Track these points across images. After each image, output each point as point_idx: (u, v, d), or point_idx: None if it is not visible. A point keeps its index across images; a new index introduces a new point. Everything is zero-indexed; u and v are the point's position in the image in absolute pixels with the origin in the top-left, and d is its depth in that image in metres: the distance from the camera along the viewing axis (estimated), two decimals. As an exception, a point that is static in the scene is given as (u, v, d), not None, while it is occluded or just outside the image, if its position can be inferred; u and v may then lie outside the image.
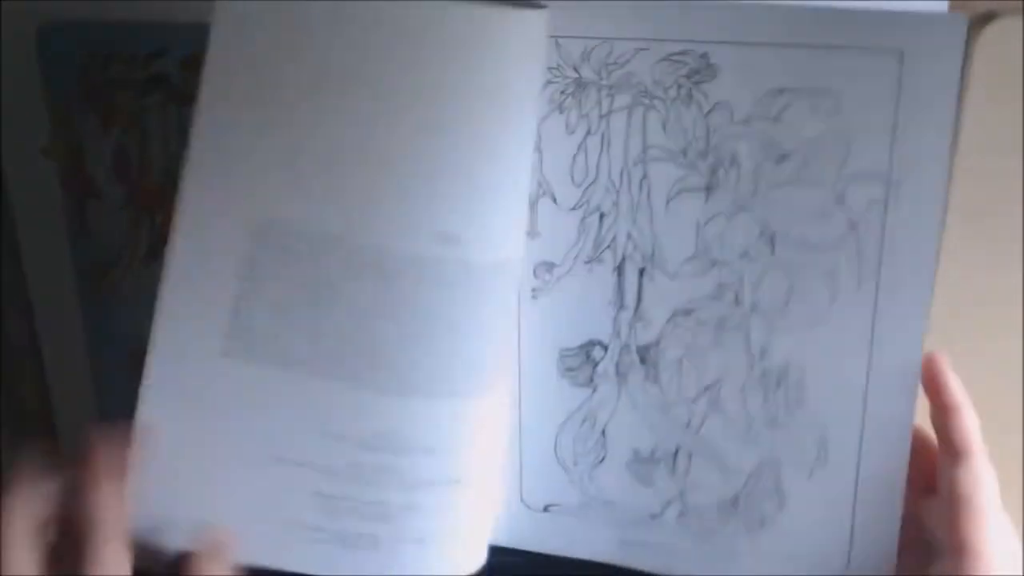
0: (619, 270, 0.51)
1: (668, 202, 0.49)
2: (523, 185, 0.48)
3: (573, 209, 0.51)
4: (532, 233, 0.51)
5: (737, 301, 0.49)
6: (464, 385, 0.49)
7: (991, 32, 0.45)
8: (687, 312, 0.50)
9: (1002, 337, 0.50)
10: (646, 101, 0.48)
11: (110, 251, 0.54)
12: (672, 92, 0.47)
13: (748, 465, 0.51)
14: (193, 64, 0.50)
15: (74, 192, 0.53)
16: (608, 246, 0.51)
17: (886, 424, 0.48)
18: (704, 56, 0.46)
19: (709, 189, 0.48)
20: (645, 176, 0.49)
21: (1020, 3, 0.44)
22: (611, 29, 0.47)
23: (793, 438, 0.50)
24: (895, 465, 0.49)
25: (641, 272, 0.50)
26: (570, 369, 0.53)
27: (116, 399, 0.57)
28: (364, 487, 0.50)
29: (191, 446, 0.49)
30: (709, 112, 0.47)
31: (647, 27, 0.47)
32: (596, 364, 0.53)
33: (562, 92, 0.49)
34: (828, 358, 0.49)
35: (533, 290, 0.52)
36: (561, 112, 0.49)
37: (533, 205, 0.51)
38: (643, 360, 0.52)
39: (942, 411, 0.46)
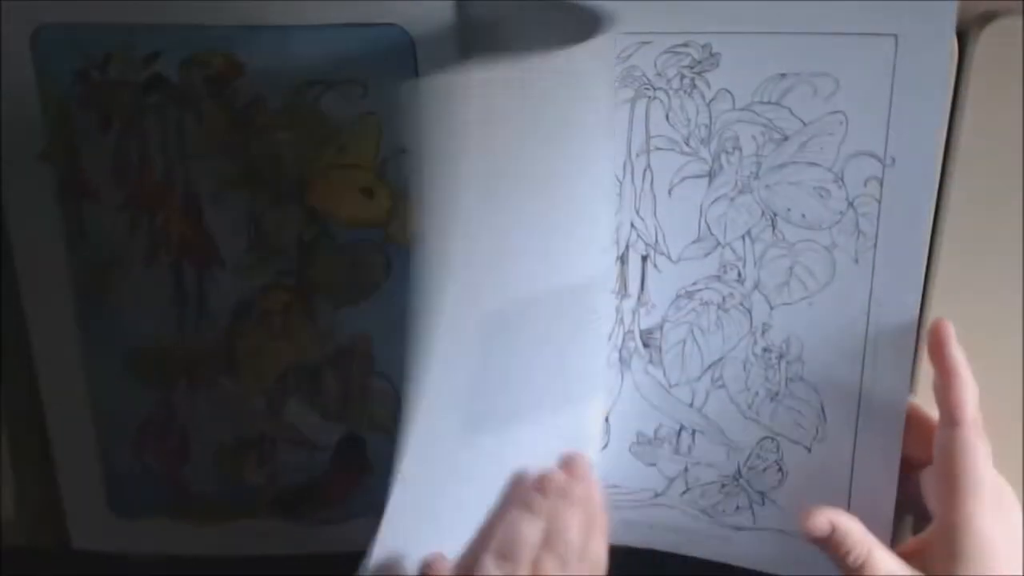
0: (622, 259, 0.52)
1: (671, 189, 0.51)
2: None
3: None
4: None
5: (740, 279, 0.51)
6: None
7: (991, 32, 0.45)
8: (690, 294, 0.52)
9: (1002, 336, 0.50)
10: (649, 93, 0.50)
11: (108, 252, 0.54)
12: (675, 83, 0.49)
13: (750, 440, 0.53)
14: (194, 64, 0.51)
15: (72, 194, 0.53)
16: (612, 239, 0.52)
17: (882, 395, 0.51)
18: (707, 46, 0.48)
19: (712, 174, 0.50)
20: (648, 166, 0.51)
21: (1020, 3, 0.44)
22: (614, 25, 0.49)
23: (793, 412, 0.52)
24: (891, 436, 0.51)
25: (644, 259, 0.52)
26: (573, 359, 0.54)
27: (111, 401, 0.56)
28: None
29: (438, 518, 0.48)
30: (712, 100, 0.49)
31: (650, 21, 0.48)
32: None
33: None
34: (827, 331, 0.51)
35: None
36: None
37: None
38: (646, 344, 0.53)
39: (941, 376, 0.48)
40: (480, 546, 0.47)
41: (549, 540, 0.47)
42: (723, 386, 0.53)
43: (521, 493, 0.47)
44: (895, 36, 0.46)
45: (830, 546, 0.48)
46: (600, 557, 0.48)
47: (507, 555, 0.46)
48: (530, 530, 0.47)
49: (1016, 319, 0.50)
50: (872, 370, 0.51)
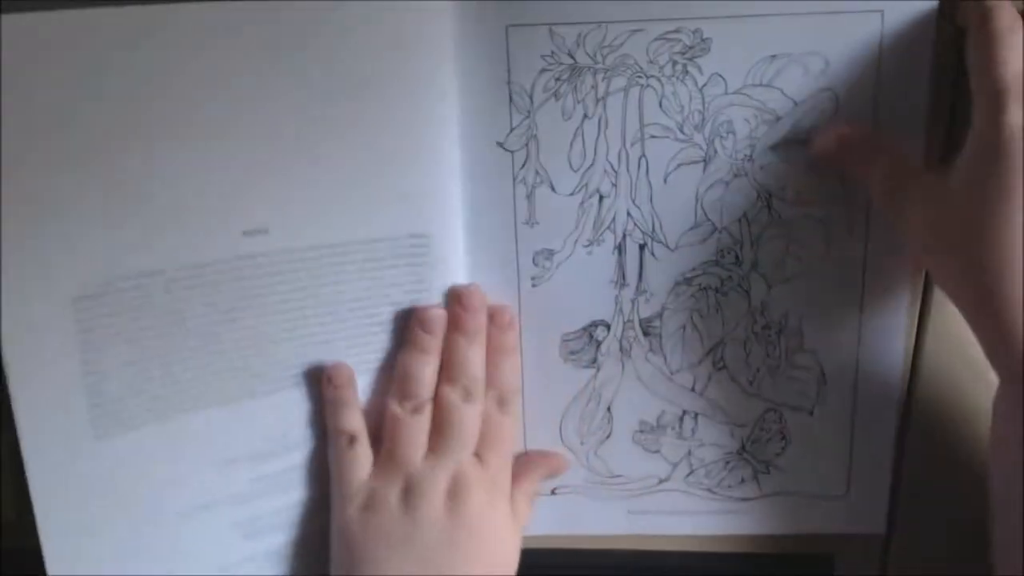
0: (620, 249, 0.52)
1: (667, 177, 0.50)
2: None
3: (571, 194, 0.51)
4: (530, 222, 0.51)
5: (738, 262, 0.52)
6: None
7: None
8: (689, 280, 0.52)
9: None
10: (642, 81, 0.49)
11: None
12: (668, 70, 0.49)
13: (753, 415, 0.54)
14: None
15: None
16: (608, 227, 0.51)
17: (879, 352, 0.53)
18: (697, 32, 0.48)
19: (707, 160, 0.50)
20: (643, 155, 0.50)
21: (1021, 3, 0.45)
22: (605, 13, 0.48)
23: (794, 382, 0.54)
24: (890, 391, 0.53)
25: (642, 248, 0.52)
26: (573, 352, 0.54)
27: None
28: (273, 497, 0.52)
29: (104, 527, 0.48)
30: (704, 85, 0.49)
31: (640, 9, 0.48)
32: (599, 344, 0.53)
33: (557, 79, 0.49)
34: (825, 302, 0.52)
35: (532, 279, 0.52)
36: (557, 99, 0.49)
37: (530, 195, 0.51)
38: (646, 333, 0.53)
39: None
40: (384, 390, 0.51)
41: (450, 374, 0.51)
42: (724, 367, 0.54)
43: (410, 335, 0.50)
44: (881, 12, 0.47)
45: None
46: (510, 383, 0.52)
47: (406, 394, 0.50)
48: (421, 368, 0.50)
49: None
50: (868, 331, 0.53)
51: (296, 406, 0.51)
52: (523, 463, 0.54)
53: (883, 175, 0.47)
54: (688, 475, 0.56)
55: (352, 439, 0.51)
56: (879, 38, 0.48)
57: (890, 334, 0.53)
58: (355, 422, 0.51)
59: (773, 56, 0.48)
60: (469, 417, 0.51)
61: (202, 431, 0.49)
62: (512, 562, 0.52)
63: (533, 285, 0.52)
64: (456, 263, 0.51)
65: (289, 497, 0.52)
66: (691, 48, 0.49)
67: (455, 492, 0.50)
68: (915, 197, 0.46)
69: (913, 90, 0.49)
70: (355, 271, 0.50)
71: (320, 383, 0.51)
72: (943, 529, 0.55)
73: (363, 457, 0.51)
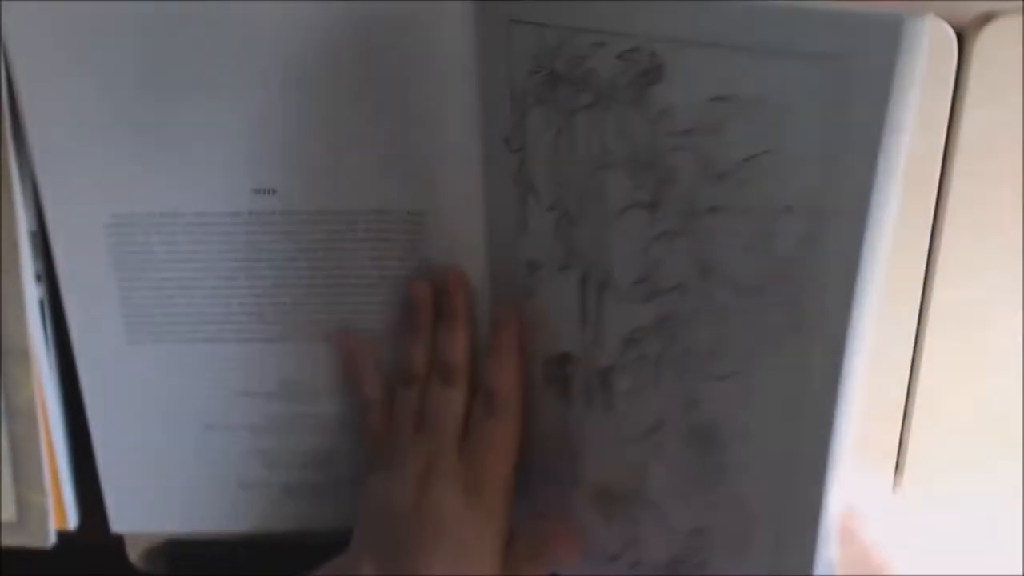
0: (583, 282, 0.47)
1: (622, 213, 0.44)
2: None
3: (550, 209, 0.48)
4: (522, 228, 0.49)
5: (673, 339, 0.43)
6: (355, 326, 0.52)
7: (991, 32, 0.43)
8: (635, 341, 0.45)
9: (1002, 337, 0.48)
10: (604, 101, 0.44)
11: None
12: (626, 93, 0.43)
13: (685, 526, 0.45)
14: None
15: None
16: (577, 254, 0.47)
17: (805, 509, 0.40)
18: (653, 55, 0.41)
19: (653, 206, 0.43)
20: (604, 182, 0.45)
21: (1020, 3, 0.43)
22: (567, 17, 0.44)
23: (718, 510, 0.43)
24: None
25: (601, 289, 0.46)
26: (549, 381, 0.50)
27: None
28: (288, 436, 0.54)
29: (133, 428, 0.55)
30: (655, 118, 0.42)
31: (600, 18, 0.43)
32: (570, 379, 0.49)
33: (542, 84, 0.46)
34: (752, 421, 0.41)
35: (526, 288, 0.50)
36: (541, 105, 0.47)
37: (524, 200, 0.49)
38: (603, 383, 0.47)
39: None
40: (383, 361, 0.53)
41: (430, 357, 0.51)
42: (662, 456, 0.45)
43: (402, 311, 0.52)
44: (844, 59, 0.35)
45: None
46: (494, 384, 0.50)
47: (405, 380, 0.51)
48: (407, 344, 0.51)
49: (1016, 321, 0.47)
50: (798, 476, 0.40)
51: (308, 359, 0.54)
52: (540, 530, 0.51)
53: None
54: (633, 565, 0.48)
55: (364, 406, 0.53)
56: (838, 95, 0.36)
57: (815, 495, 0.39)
58: (365, 390, 0.53)
59: (724, 97, 0.39)
60: (445, 402, 0.50)
61: (219, 362, 0.54)
62: None
63: (528, 295, 0.50)
64: (454, 246, 0.51)
65: (306, 441, 0.55)
66: (647, 72, 0.42)
67: (425, 478, 0.49)
68: None
69: (864, 169, 0.36)
70: (355, 240, 0.52)
71: (328, 341, 0.54)
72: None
73: (372, 424, 0.53)
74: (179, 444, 0.55)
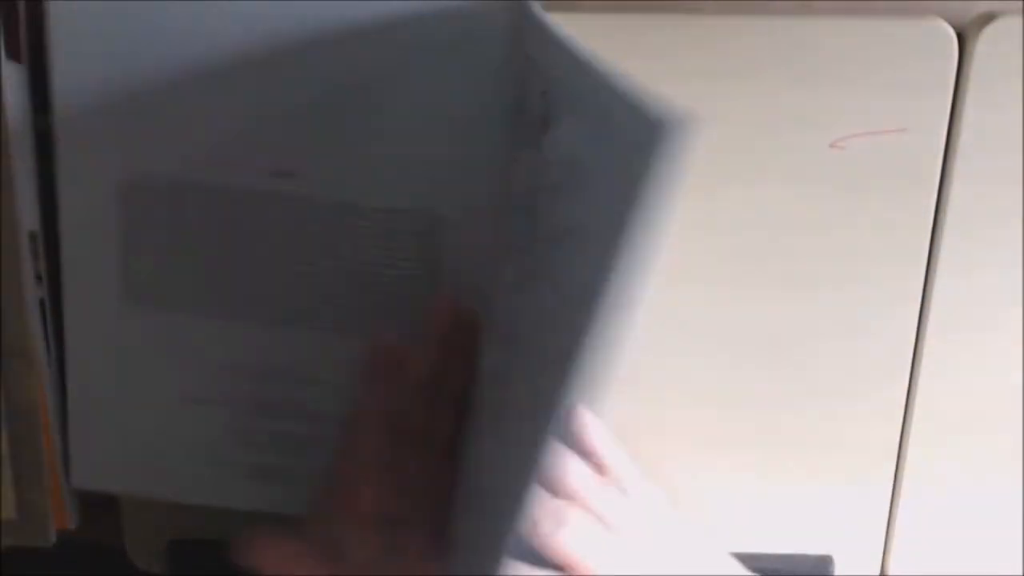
0: None
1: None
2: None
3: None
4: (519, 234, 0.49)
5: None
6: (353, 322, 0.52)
7: (991, 32, 0.44)
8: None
9: (1002, 338, 0.48)
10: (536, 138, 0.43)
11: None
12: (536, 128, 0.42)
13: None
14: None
15: None
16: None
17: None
18: (545, 93, 0.41)
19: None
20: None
21: (1020, 3, 0.44)
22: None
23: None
24: None
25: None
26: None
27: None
28: (271, 420, 0.54)
29: (111, 389, 0.54)
30: (532, 169, 0.42)
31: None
32: None
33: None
34: None
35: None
36: (519, 114, 0.46)
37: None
38: None
39: None
40: None
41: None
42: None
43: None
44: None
45: None
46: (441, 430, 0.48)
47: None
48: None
49: (1016, 324, 0.48)
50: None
51: (300, 346, 0.53)
52: None
53: None
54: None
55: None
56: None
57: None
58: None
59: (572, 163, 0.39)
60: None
61: (210, 336, 0.54)
62: None
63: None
64: (471, 252, 0.51)
65: (284, 426, 0.55)
66: (547, 109, 0.41)
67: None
68: None
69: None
70: (366, 235, 0.51)
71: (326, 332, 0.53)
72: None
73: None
74: (154, 410, 0.55)
